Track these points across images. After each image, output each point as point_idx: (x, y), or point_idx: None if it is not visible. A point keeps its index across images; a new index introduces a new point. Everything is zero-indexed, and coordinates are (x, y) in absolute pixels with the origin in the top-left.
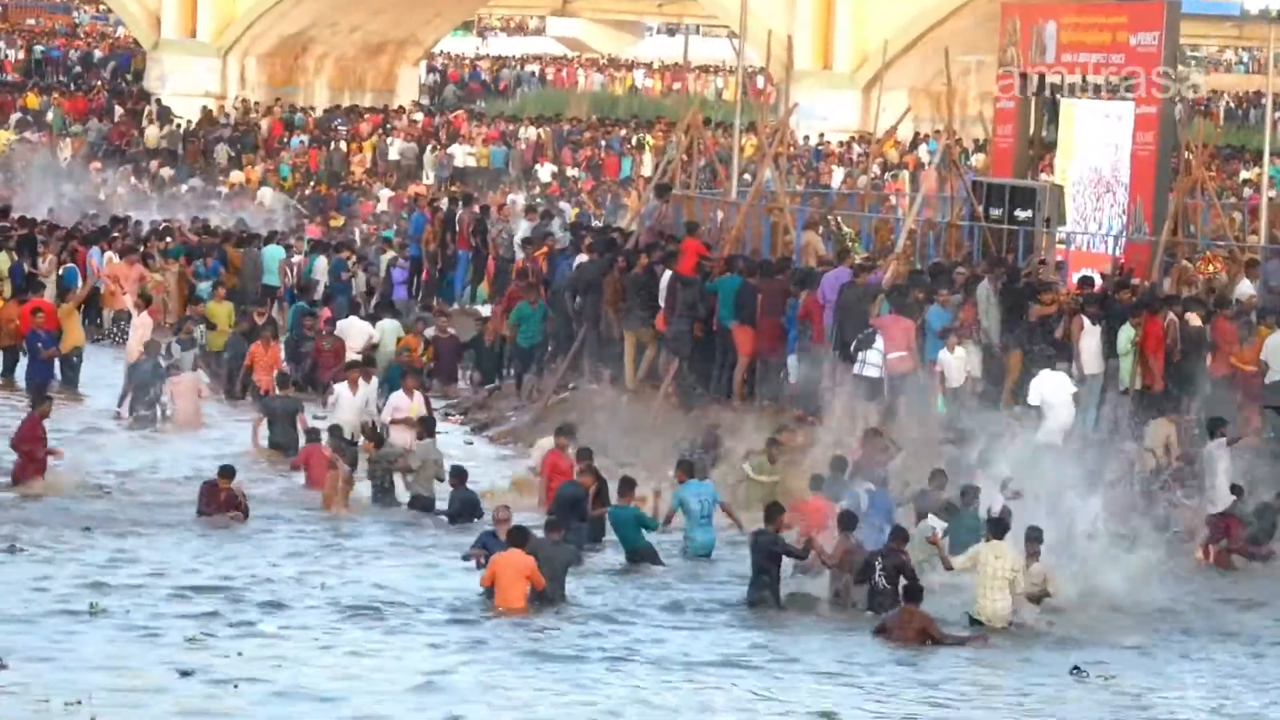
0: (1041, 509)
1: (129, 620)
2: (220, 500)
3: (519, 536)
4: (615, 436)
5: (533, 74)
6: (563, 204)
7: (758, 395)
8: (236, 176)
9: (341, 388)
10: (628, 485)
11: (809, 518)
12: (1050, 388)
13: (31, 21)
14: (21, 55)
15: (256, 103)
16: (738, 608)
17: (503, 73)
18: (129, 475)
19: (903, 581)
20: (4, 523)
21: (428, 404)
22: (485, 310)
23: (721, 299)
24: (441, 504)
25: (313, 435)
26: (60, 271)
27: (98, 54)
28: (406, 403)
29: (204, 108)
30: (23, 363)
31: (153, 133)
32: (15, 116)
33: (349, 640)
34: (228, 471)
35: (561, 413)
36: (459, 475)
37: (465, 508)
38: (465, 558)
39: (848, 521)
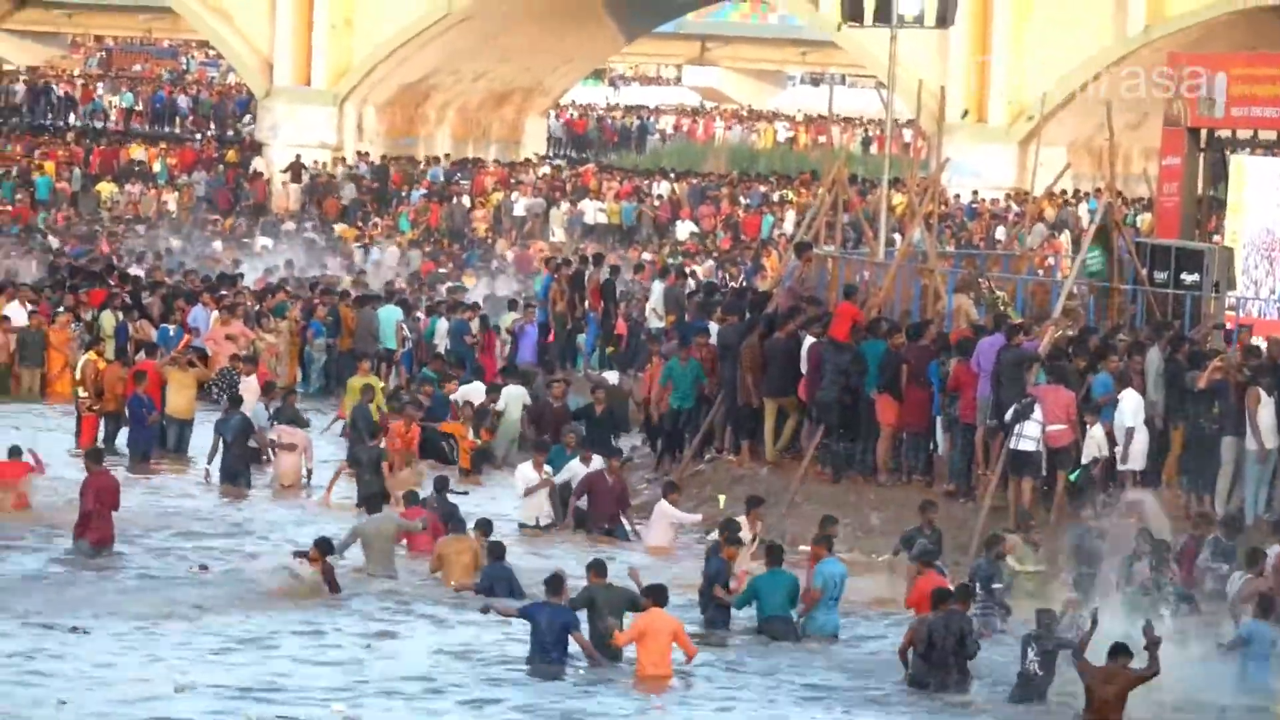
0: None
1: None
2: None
3: (661, 594)
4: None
5: (654, 125)
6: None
7: (904, 469)
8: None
9: (525, 467)
10: (777, 552)
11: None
12: (1135, 408)
13: (138, 67)
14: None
15: (384, 156)
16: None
17: (623, 122)
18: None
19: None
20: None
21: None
22: (612, 376)
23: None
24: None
25: (411, 498)
26: (172, 331)
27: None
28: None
29: (317, 167)
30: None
31: (269, 187)
32: (121, 167)
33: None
34: (323, 545)
35: (697, 485)
36: (496, 552)
37: (497, 583)
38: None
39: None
